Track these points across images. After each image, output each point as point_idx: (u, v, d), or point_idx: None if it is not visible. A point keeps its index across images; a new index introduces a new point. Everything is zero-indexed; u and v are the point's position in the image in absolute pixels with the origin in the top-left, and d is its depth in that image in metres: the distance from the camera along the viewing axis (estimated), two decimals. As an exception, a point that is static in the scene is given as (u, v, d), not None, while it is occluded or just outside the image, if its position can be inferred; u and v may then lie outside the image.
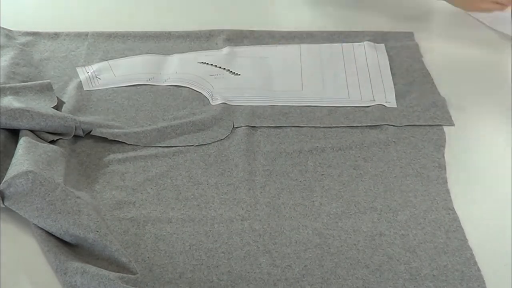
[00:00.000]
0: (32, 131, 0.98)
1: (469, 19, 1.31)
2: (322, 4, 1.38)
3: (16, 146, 0.95)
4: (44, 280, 0.80)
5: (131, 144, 1.01)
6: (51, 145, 0.96)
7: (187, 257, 0.83)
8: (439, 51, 1.25)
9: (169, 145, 1.01)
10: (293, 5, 1.39)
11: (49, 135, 0.99)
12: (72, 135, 1.01)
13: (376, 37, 1.26)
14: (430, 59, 1.22)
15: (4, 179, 0.87)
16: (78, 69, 1.17)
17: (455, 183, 0.96)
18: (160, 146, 1.00)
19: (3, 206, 0.86)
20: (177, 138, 1.02)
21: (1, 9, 1.30)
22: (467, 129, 1.06)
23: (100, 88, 1.13)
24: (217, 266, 0.82)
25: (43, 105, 1.03)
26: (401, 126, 1.05)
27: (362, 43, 1.25)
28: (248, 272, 0.82)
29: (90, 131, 1.02)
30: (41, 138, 0.98)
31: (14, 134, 0.98)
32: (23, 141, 0.94)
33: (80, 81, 1.14)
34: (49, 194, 0.84)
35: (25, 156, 0.90)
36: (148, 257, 0.83)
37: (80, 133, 1.01)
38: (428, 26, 1.34)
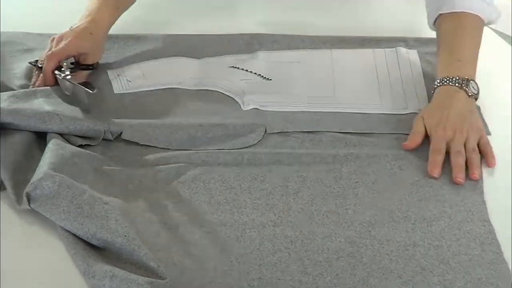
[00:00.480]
0: (61, 134, 0.98)
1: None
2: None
3: (43, 149, 0.95)
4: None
5: (162, 148, 1.00)
6: (79, 149, 0.96)
7: (218, 262, 0.82)
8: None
9: (200, 149, 1.00)
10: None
11: (78, 138, 0.99)
12: (101, 139, 1.00)
13: (408, 43, 1.25)
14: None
15: (31, 182, 0.87)
16: (109, 72, 1.17)
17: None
18: (192, 150, 1.00)
19: (29, 208, 0.86)
20: (208, 142, 1.01)
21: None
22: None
23: (130, 91, 1.13)
24: (248, 272, 0.81)
25: (73, 108, 1.03)
26: None
27: (394, 48, 1.23)
28: (279, 279, 0.81)
29: (120, 134, 1.01)
30: (69, 142, 0.98)
31: (42, 137, 0.98)
32: (51, 144, 0.94)
33: (111, 84, 1.14)
34: (76, 198, 0.84)
35: (52, 159, 0.90)
36: (179, 261, 0.82)
37: (110, 137, 1.01)
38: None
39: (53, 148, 0.92)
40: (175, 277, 0.79)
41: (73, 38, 1.10)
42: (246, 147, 1.01)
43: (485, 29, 1.15)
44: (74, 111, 1.02)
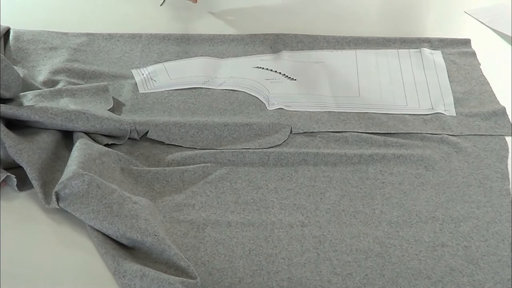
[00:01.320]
0: (87, 133, 0.98)
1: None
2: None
3: (70, 149, 0.95)
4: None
5: (188, 147, 1.01)
6: (106, 148, 0.96)
7: (247, 261, 0.83)
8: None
9: (226, 149, 1.00)
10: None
11: (104, 137, 0.99)
12: (127, 138, 1.01)
13: (433, 43, 1.25)
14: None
15: (60, 181, 0.87)
16: (134, 71, 1.17)
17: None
18: (218, 149, 1.00)
19: (58, 207, 0.87)
20: (234, 142, 1.02)
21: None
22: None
23: (155, 90, 1.13)
24: (277, 272, 0.82)
25: (99, 108, 1.03)
26: (462, 135, 1.03)
27: (418, 49, 1.23)
28: (309, 279, 0.81)
29: (146, 133, 1.02)
30: (96, 141, 0.98)
31: (68, 136, 0.99)
32: (79, 143, 0.94)
33: (136, 83, 1.14)
34: (106, 197, 0.84)
35: (80, 158, 0.90)
36: (208, 261, 0.82)
37: (135, 136, 1.01)
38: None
39: (81, 147, 0.93)
40: (203, 276, 0.80)
41: None
42: (272, 147, 1.01)
43: (485, 29, 1.14)
44: (100, 110, 1.02)
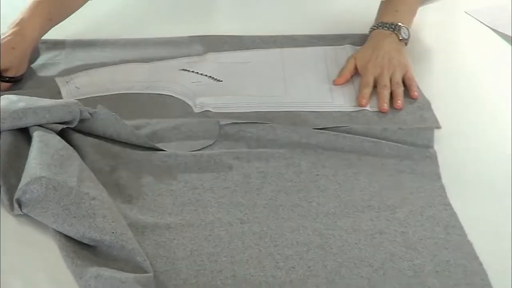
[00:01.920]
0: (40, 125, 0.95)
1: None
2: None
3: (29, 146, 0.92)
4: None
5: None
6: (64, 142, 0.93)
7: (189, 262, 0.81)
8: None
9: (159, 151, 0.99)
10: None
11: (57, 125, 0.96)
12: (79, 119, 0.97)
13: (357, 40, 1.26)
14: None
15: (19, 187, 0.85)
16: (57, 79, 1.14)
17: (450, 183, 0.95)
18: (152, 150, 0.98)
19: (21, 213, 0.85)
20: (165, 146, 1.00)
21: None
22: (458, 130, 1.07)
23: (80, 97, 1.10)
24: (220, 271, 0.81)
25: (44, 99, 0.99)
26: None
27: (344, 46, 1.25)
28: (253, 276, 0.80)
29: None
30: (50, 130, 0.95)
31: (25, 132, 0.96)
32: (35, 142, 0.91)
33: (59, 92, 1.11)
34: (63, 199, 0.82)
35: (37, 159, 0.88)
36: (151, 264, 0.81)
37: (87, 115, 0.98)
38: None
39: (38, 146, 0.90)
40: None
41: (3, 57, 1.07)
42: (203, 148, 1.00)
43: (485, 29, 1.17)
44: (45, 100, 0.98)
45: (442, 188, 0.94)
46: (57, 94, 1.10)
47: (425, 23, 1.25)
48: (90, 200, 0.83)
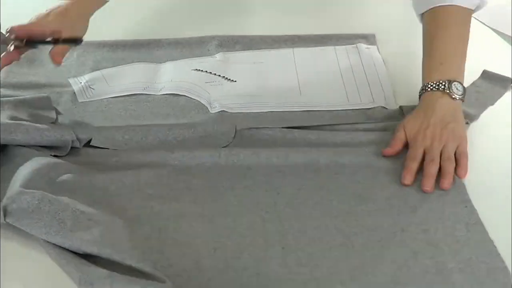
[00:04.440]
0: (28, 147, 0.94)
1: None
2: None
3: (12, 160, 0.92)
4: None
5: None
6: (55, 159, 0.93)
7: (213, 261, 0.81)
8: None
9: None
10: (280, 10, 1.39)
11: (45, 150, 0.95)
12: (69, 149, 0.97)
13: (369, 39, 1.27)
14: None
15: (8, 195, 0.83)
16: (71, 80, 1.14)
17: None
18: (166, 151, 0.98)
19: (4, 222, 0.82)
20: (180, 146, 1.00)
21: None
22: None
23: (94, 99, 1.10)
24: (245, 269, 0.80)
25: (38, 120, 0.99)
26: None
27: (355, 45, 1.25)
28: (277, 273, 0.80)
29: (89, 142, 0.99)
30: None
31: (11, 147, 0.95)
32: (25, 155, 0.91)
33: (74, 92, 1.11)
34: (59, 213, 0.81)
35: (29, 175, 0.87)
36: (173, 263, 0.80)
37: (77, 144, 0.98)
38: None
39: (29, 159, 0.90)
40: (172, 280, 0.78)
41: (53, 19, 1.05)
42: (220, 148, 1.00)
43: (485, 29, 1.15)
44: (39, 122, 0.98)
45: (462, 185, 0.94)
46: (72, 95, 1.10)
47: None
48: (87, 221, 0.81)
